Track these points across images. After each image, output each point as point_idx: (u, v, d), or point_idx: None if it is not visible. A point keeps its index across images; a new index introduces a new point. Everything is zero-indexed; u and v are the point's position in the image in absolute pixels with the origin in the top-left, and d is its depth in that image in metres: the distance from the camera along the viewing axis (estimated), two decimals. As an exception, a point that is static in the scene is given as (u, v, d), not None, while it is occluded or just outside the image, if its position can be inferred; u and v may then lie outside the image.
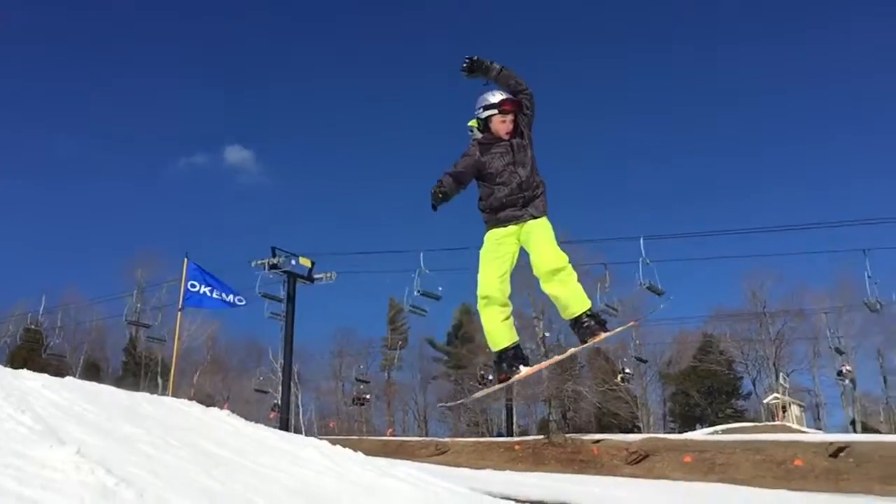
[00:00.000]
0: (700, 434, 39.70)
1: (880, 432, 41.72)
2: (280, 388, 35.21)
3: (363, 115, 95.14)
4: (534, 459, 33.36)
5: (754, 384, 54.34)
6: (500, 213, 5.07)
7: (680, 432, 44.80)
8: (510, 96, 5.00)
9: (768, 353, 50.95)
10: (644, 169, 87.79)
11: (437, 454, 34.93)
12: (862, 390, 50.25)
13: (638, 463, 30.93)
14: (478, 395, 6.54)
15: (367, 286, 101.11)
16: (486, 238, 5.15)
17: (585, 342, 4.94)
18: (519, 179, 5.01)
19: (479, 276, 5.04)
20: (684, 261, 69.63)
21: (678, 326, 54.82)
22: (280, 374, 36.48)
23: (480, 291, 5.01)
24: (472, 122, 5.16)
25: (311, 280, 33.45)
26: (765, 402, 49.57)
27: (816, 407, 52.29)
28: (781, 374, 48.42)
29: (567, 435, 36.83)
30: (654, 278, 26.01)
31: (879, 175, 75.40)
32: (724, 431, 39.21)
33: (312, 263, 33.37)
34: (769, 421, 45.95)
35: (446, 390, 58.38)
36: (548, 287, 4.94)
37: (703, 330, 55.69)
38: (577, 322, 4.96)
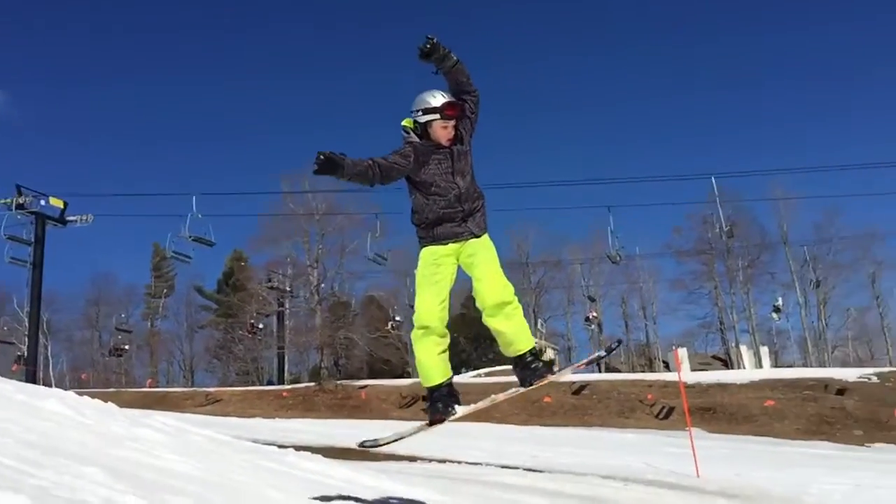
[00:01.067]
0: (465, 377, 41.78)
1: (620, 371, 46.31)
2: (26, 338, 32.25)
3: (123, 45, 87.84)
4: (304, 406, 33.37)
5: (516, 331, 58.01)
6: (436, 228, 4.61)
7: (447, 376, 46.74)
8: (453, 100, 4.49)
9: (529, 300, 54.48)
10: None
11: (206, 404, 33.85)
12: (607, 334, 55.34)
13: (408, 407, 31.91)
14: (404, 435, 5.30)
15: (131, 230, 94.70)
16: (421, 256, 4.69)
17: (531, 384, 4.59)
18: (458, 191, 4.57)
19: (418, 303, 4.61)
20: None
21: (449, 276, 56.91)
22: (26, 323, 33.31)
23: (419, 320, 4.59)
24: (407, 123, 4.62)
25: (64, 222, 30.71)
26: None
27: (569, 350, 56.90)
28: (540, 320, 52.08)
29: (338, 382, 37.15)
30: None
31: (625, 141, 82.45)
32: (486, 374, 41.49)
33: (65, 204, 30.61)
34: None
35: (215, 339, 56.65)
36: (492, 321, 4.56)
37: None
38: (520, 360, 4.61)
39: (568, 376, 38.70)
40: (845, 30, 79.34)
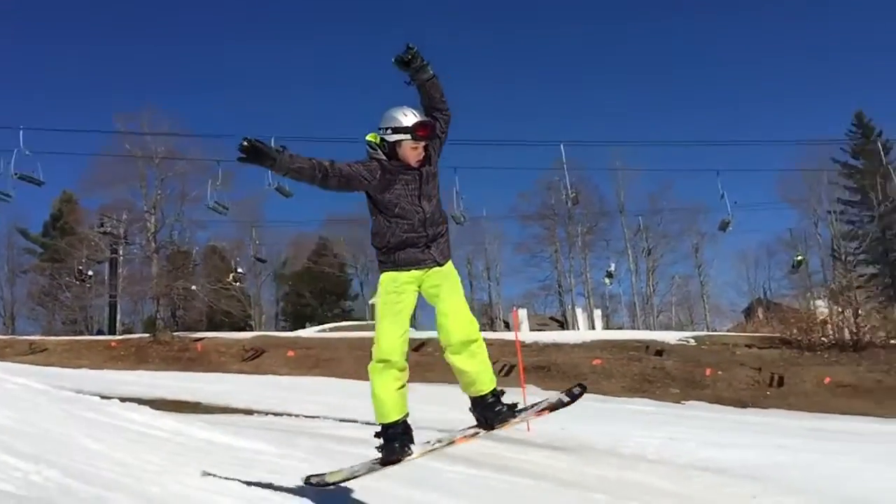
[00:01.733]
0: (309, 332, 41.39)
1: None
2: None
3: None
4: (136, 358, 31.87)
5: (362, 286, 58.07)
6: (398, 253, 4.36)
7: (291, 331, 46.23)
8: (424, 119, 4.21)
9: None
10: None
11: (29, 353, 31.62)
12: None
13: (248, 360, 31.21)
14: (357, 474, 4.94)
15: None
16: (381, 282, 4.44)
17: (493, 428, 4.45)
18: (422, 215, 4.34)
19: (379, 334, 4.36)
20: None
21: (296, 229, 56.04)
22: None
23: (381, 353, 4.34)
24: (372, 138, 4.31)
25: None
26: (370, 302, 53.31)
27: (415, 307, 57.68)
28: (386, 278, 52.19)
29: (174, 333, 35.73)
30: (282, 180, 25.78)
31: (479, 106, 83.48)
32: (331, 330, 41.29)
33: None
34: (372, 320, 49.55)
35: (39, 285, 52.97)
36: (456, 359, 4.42)
37: (319, 233, 57.81)
38: (481, 400, 4.47)
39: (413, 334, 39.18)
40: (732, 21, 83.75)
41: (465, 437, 4.37)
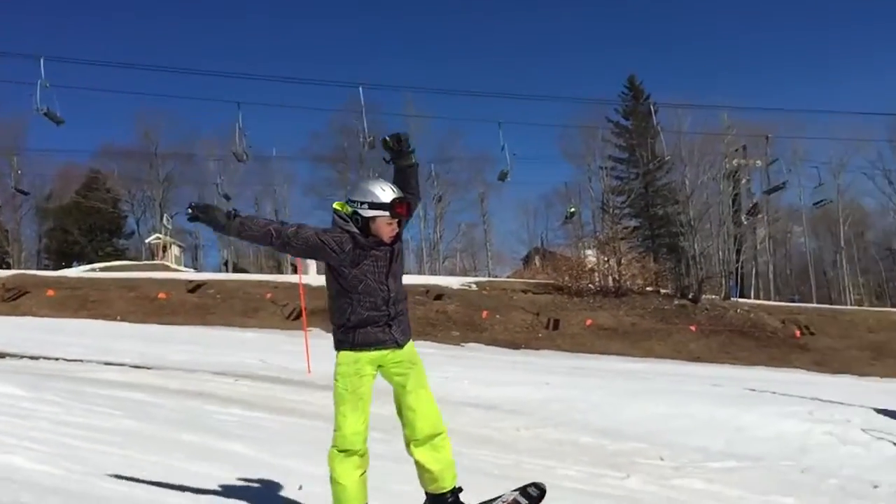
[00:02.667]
0: (76, 271, 38.36)
1: (248, 272, 46.18)
2: None
3: None
4: None
5: (138, 224, 54.60)
6: (359, 331, 3.94)
7: (56, 269, 42.67)
8: (402, 195, 3.94)
9: (156, 194, 51.39)
10: None
11: None
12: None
13: (7, 301, 28.45)
14: None
15: None
16: (340, 361, 3.96)
17: None
18: (387, 294, 3.99)
19: (341, 422, 3.86)
20: (83, 89, 65.11)
21: (65, 158, 51.34)
22: None
23: (343, 443, 3.83)
24: (341, 207, 3.96)
25: None
26: (147, 241, 50.29)
27: (196, 248, 55.22)
28: (166, 215, 49.41)
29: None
30: (53, 105, 23.04)
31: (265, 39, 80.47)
32: (101, 269, 38.52)
33: None
34: (149, 260, 46.87)
35: None
36: (419, 454, 3.98)
37: (91, 165, 53.36)
38: (440, 499, 4.04)
39: (191, 276, 37.62)
40: None
41: None
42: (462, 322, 29.66)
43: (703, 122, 40.62)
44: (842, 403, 12.95)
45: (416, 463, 4.05)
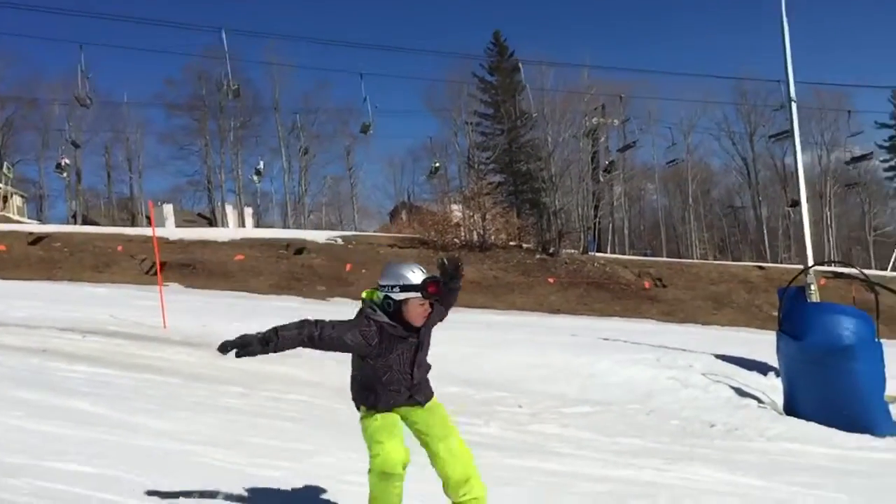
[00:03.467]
0: None
1: (99, 224, 43.70)
2: None
3: None
4: None
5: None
6: (380, 399, 3.89)
7: None
8: (433, 276, 3.87)
9: (-7, 140, 47.58)
10: None
11: None
12: (87, 184, 51.56)
13: None
14: None
15: None
16: (364, 414, 3.95)
17: None
18: (409, 382, 3.92)
19: (378, 449, 3.79)
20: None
21: None
22: None
23: (383, 467, 3.77)
24: (369, 295, 3.90)
25: None
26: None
27: (40, 198, 51.62)
28: (6, 163, 45.77)
29: None
30: None
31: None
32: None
33: None
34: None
35: None
36: (454, 495, 3.93)
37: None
38: None
39: (34, 227, 35.24)
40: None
41: None
42: (328, 276, 29.41)
43: (565, 81, 41.74)
44: (685, 350, 13.85)
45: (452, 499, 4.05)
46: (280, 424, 6.88)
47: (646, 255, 45.60)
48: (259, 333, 3.65)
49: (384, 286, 3.84)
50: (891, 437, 10.18)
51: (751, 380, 12.14)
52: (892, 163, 56.04)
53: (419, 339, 3.93)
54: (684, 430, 9.26)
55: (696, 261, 42.35)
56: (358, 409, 4.00)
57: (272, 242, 32.44)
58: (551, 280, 30.84)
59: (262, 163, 44.37)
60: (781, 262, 43.90)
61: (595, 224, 44.08)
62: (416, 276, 3.83)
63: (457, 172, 48.77)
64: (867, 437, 10.02)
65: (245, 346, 3.61)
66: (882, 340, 11.35)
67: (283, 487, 4.72)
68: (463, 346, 12.65)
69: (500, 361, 11.73)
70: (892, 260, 42.66)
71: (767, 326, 21.17)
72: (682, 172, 51.69)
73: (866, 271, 23.27)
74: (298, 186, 51.11)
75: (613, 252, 45.43)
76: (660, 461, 7.26)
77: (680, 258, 44.37)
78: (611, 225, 51.37)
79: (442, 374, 10.45)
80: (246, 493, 4.38)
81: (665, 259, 41.71)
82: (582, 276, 32.20)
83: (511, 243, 35.69)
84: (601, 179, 43.72)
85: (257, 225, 47.01)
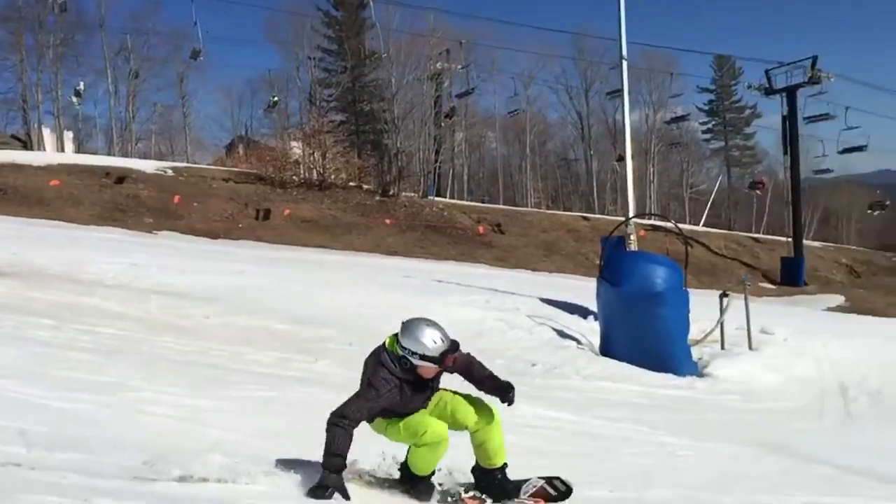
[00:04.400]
0: None
1: None
2: None
3: None
4: None
5: None
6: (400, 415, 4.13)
7: None
8: (450, 346, 3.98)
9: None
10: None
11: None
12: None
13: None
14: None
15: None
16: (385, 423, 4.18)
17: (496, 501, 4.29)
18: (424, 405, 4.18)
19: (428, 426, 4.02)
20: None
21: None
22: None
23: (433, 438, 4.02)
24: (392, 345, 4.00)
25: None
26: None
27: None
28: None
29: None
30: None
31: None
32: None
33: None
34: None
35: None
36: (476, 436, 4.22)
37: None
38: (490, 474, 4.27)
39: None
40: None
41: (472, 498, 4.30)
42: (156, 209, 27.98)
43: (411, 22, 41.32)
44: (514, 294, 14.40)
45: (475, 442, 4.27)
46: (88, 357, 6.52)
47: (483, 202, 46.67)
48: (326, 473, 3.80)
49: (405, 349, 3.95)
50: (691, 377, 11.16)
51: (572, 323, 12.83)
52: (709, 125, 60.28)
53: (433, 384, 4.19)
54: (508, 368, 9.66)
55: (530, 209, 43.85)
56: (371, 421, 4.16)
57: (94, 170, 30.33)
58: (388, 221, 30.95)
59: (82, 84, 40.97)
60: (608, 214, 46.35)
61: (435, 169, 44.50)
62: (436, 347, 3.94)
63: (297, 108, 47.39)
64: (671, 376, 10.91)
65: (325, 486, 3.77)
66: (689, 289, 12.34)
67: (85, 419, 4.49)
68: (293, 284, 12.50)
69: (332, 300, 11.67)
70: (704, 216, 46.20)
71: (591, 274, 22.30)
72: (521, 123, 52.97)
73: (681, 225, 24.99)
74: (126, 112, 47.80)
75: (452, 197, 46.13)
76: (482, 398, 7.54)
77: (515, 206, 45.80)
78: (451, 171, 52.05)
79: (269, 311, 10.33)
80: (45, 428, 4.12)
81: (501, 206, 42.89)
82: (420, 220, 32.53)
83: (351, 184, 35.36)
84: (443, 125, 44.03)
85: (78, 151, 43.60)
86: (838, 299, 29.25)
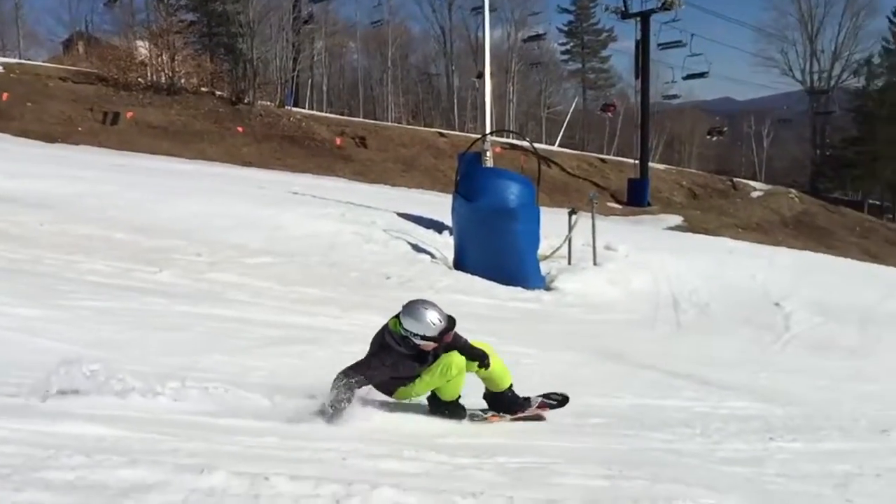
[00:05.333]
0: None
1: None
2: None
3: None
4: None
5: None
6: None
7: None
8: (448, 324, 4.42)
9: None
10: None
11: None
12: None
13: None
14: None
15: None
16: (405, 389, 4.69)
17: (514, 414, 4.86)
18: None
19: (450, 359, 4.55)
20: None
21: None
22: None
23: (461, 363, 4.59)
24: (395, 326, 4.41)
25: None
26: None
27: None
28: None
29: None
30: None
31: None
32: None
33: None
34: None
35: None
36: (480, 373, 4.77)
37: None
38: (500, 395, 4.84)
39: None
40: None
41: (494, 415, 4.93)
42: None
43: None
44: (371, 207, 14.33)
45: (482, 377, 4.81)
46: None
47: (343, 114, 45.75)
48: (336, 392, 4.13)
49: (407, 330, 4.36)
50: (538, 290, 11.62)
51: (427, 237, 12.97)
52: (568, 47, 61.35)
53: (435, 354, 4.58)
54: (362, 281, 9.68)
55: (390, 124, 43.42)
56: (392, 394, 4.62)
57: None
58: (241, 129, 29.76)
59: None
60: (468, 132, 46.64)
61: (293, 77, 42.92)
62: (436, 327, 4.36)
63: (143, 5, 44.04)
64: (520, 289, 11.32)
65: (337, 408, 4.08)
66: (541, 207, 12.72)
67: None
68: (137, 191, 11.88)
69: (179, 209, 11.17)
70: (560, 136, 47.49)
71: (449, 190, 22.49)
72: (383, 34, 51.87)
73: (537, 145, 25.52)
74: (-56, -1, 42.93)
75: (311, 109, 44.90)
76: (336, 309, 7.53)
77: (376, 120, 45.21)
78: (310, 80, 50.45)
79: (109, 219, 9.78)
80: None
81: (361, 120, 42.18)
82: (277, 130, 31.46)
83: (203, 89, 33.53)
84: (301, 31, 42.35)
85: None
86: (677, 219, 31.18)
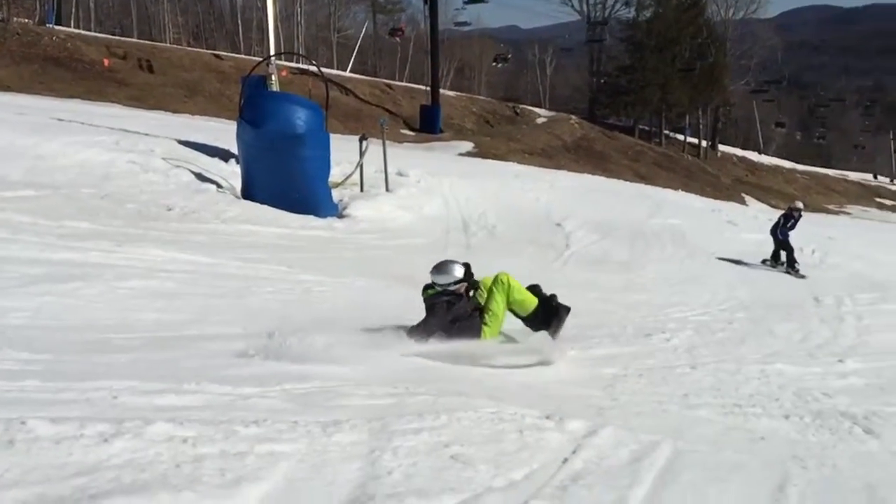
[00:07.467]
0: None
1: None
2: None
3: None
4: None
5: None
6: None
7: None
8: (466, 267, 5.54)
9: None
10: None
11: None
12: None
13: None
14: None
15: None
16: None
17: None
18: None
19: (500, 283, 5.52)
20: None
21: None
22: None
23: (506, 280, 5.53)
24: (429, 290, 5.45)
25: None
26: None
27: None
28: None
29: None
30: None
31: None
32: None
33: None
34: None
35: None
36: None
37: None
38: (548, 299, 5.66)
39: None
40: None
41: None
42: None
43: None
44: (149, 135, 13.40)
45: (514, 308, 5.62)
46: None
47: (114, 34, 42.05)
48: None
49: (441, 285, 5.38)
50: (331, 217, 11.52)
51: (212, 166, 12.37)
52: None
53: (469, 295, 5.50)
54: (140, 213, 9.08)
55: (169, 45, 40.57)
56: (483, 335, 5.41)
57: None
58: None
59: None
60: (254, 55, 44.60)
61: (55, -8, 38.78)
62: (460, 270, 5.44)
63: None
64: (311, 217, 11.15)
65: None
66: (334, 134, 12.50)
67: None
68: None
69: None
70: (351, 62, 46.76)
71: (235, 117, 21.56)
72: (157, -53, 47.92)
73: (328, 71, 24.95)
74: None
75: (77, 27, 40.88)
76: (109, 243, 7.02)
77: (153, 41, 42.03)
78: (75, -5, 45.84)
79: None
80: None
81: (136, 41, 38.97)
82: (38, 51, 28.34)
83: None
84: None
85: None
86: (468, 145, 32.03)
